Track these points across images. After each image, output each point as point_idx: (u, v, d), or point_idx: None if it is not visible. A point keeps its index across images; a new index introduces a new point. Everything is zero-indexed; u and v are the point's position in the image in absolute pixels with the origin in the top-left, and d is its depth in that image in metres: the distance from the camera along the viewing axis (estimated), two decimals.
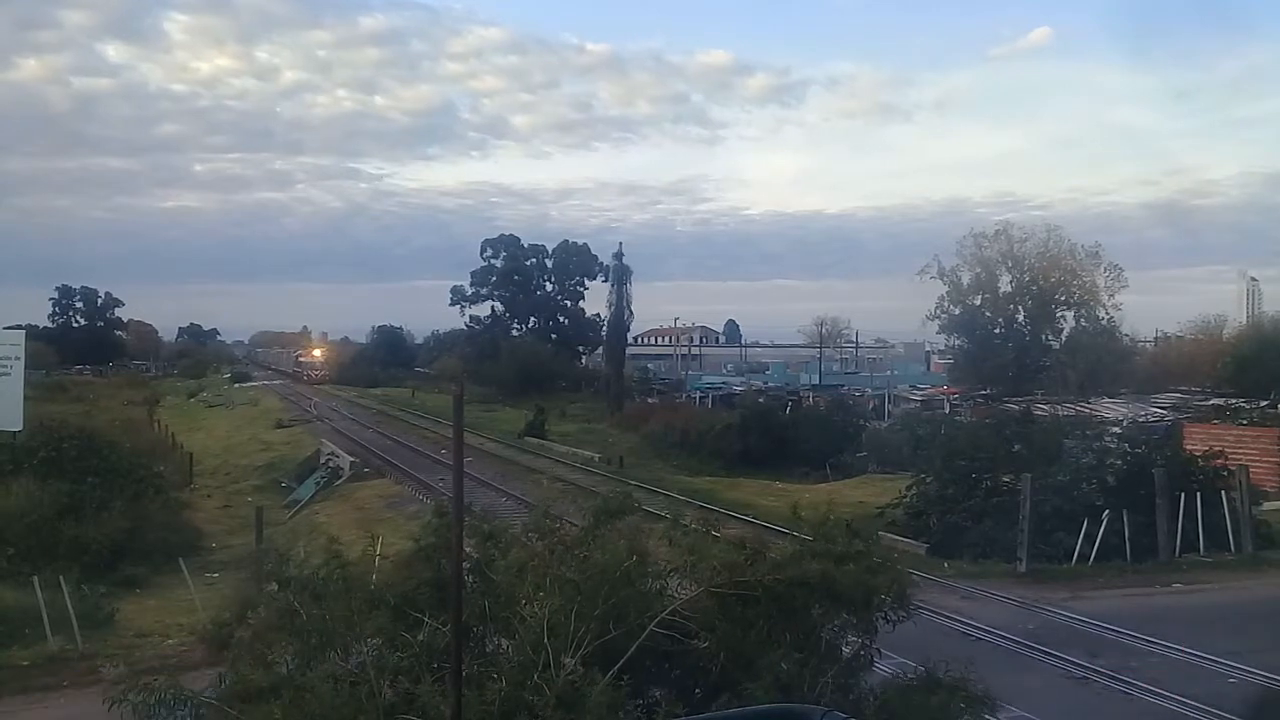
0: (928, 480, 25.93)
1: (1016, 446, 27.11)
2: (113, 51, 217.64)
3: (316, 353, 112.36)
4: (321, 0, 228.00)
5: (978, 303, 54.54)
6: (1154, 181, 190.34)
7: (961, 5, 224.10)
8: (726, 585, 7.05)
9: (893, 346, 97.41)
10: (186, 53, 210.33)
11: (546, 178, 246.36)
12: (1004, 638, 15.27)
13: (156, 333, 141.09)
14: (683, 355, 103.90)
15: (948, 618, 15.94)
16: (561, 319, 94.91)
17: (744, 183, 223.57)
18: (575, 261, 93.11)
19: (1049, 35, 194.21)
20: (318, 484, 37.60)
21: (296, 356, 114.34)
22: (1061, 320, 54.59)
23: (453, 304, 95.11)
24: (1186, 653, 14.21)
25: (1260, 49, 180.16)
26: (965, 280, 54.47)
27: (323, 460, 41.43)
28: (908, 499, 25.86)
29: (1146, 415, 40.81)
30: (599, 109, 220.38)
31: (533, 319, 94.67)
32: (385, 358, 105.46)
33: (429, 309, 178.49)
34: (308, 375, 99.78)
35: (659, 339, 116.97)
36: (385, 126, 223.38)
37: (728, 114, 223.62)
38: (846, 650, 7.48)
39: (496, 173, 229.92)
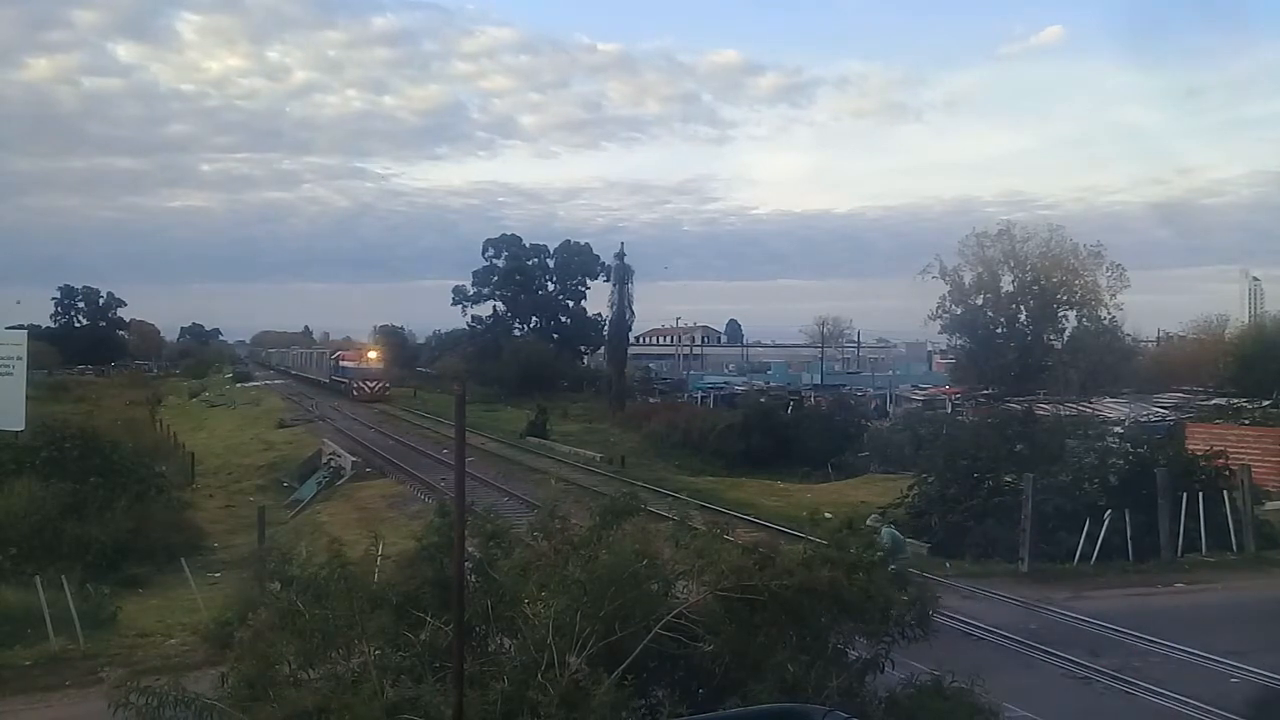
0: (929, 480, 25.88)
1: (1018, 446, 27.07)
2: (123, 51, 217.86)
3: (372, 355, 78.44)
4: (334, 0, 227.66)
5: (980, 302, 54.40)
6: (1163, 181, 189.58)
7: (972, 4, 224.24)
8: (734, 589, 7.03)
9: (895, 346, 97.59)
10: (197, 53, 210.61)
11: (554, 177, 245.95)
12: (1006, 637, 15.26)
13: (158, 332, 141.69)
14: (684, 355, 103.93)
15: (949, 617, 15.88)
16: (563, 319, 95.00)
17: (752, 182, 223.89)
18: (577, 261, 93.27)
19: (1059, 34, 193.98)
20: (320, 484, 37.57)
21: (337, 359, 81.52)
22: (1064, 320, 54.40)
23: (455, 304, 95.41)
24: (1189, 652, 14.20)
25: (1270, 48, 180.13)
26: (967, 280, 54.34)
27: (325, 460, 41.39)
28: (909, 499, 25.81)
29: (1148, 415, 40.82)
30: (608, 108, 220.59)
31: (534, 319, 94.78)
32: (387, 357, 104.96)
33: (431, 309, 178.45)
34: (358, 388, 72.01)
35: (661, 339, 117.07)
36: (394, 126, 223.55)
37: (737, 113, 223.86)
38: (855, 655, 7.47)
39: (504, 172, 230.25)
